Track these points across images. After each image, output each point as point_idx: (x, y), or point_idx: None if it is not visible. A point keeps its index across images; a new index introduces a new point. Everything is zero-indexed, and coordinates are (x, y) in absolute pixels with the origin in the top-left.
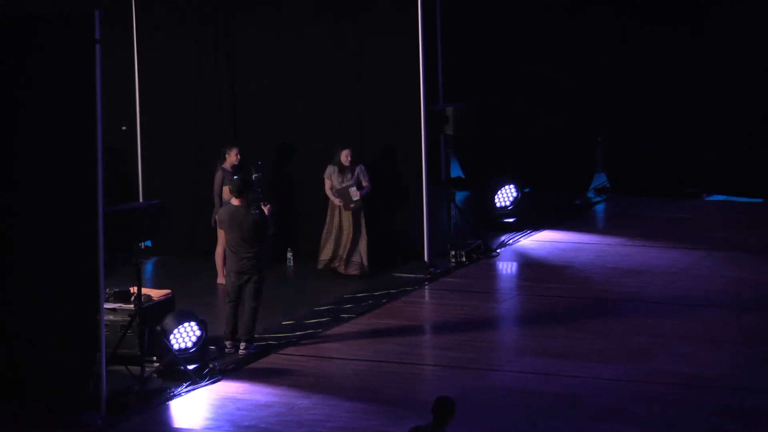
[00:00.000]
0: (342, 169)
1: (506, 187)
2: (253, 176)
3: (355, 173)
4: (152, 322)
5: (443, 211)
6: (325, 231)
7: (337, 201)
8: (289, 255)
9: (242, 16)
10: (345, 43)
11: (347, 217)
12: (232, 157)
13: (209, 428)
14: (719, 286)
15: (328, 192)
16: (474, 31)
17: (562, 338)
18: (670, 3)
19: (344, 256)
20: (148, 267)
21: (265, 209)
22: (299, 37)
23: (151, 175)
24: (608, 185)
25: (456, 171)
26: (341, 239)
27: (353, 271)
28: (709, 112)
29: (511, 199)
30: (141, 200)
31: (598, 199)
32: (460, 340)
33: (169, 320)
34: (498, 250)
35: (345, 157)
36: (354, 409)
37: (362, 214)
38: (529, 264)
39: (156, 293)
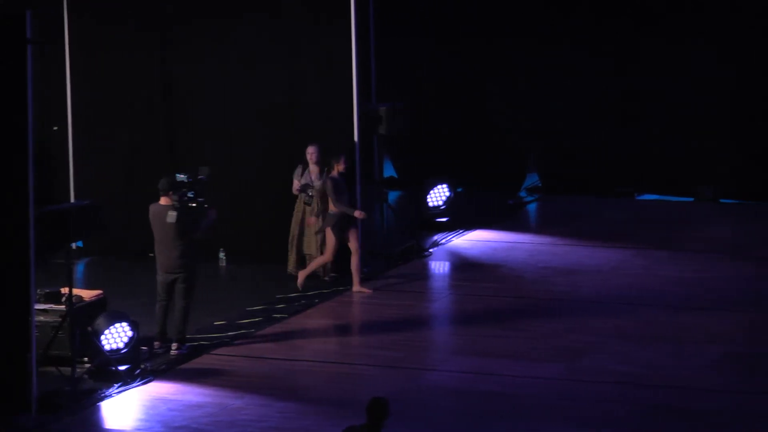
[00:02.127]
0: (307, 167)
1: (439, 186)
2: (198, 177)
3: (325, 173)
4: (83, 322)
5: (376, 210)
6: (291, 234)
7: (304, 200)
8: (222, 255)
9: (176, 18)
10: (278, 44)
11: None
12: (340, 166)
13: (141, 429)
14: (652, 285)
15: (295, 192)
16: (410, 32)
17: (495, 337)
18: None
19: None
20: (80, 267)
21: (208, 214)
22: (233, 39)
23: (82, 176)
24: (540, 185)
25: (389, 171)
26: (310, 240)
27: (325, 274)
28: (639, 112)
29: (443, 198)
30: (72, 200)
31: (531, 198)
32: (393, 339)
33: (100, 321)
34: (431, 250)
35: (309, 153)
36: (286, 409)
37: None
38: (461, 263)
39: (87, 294)
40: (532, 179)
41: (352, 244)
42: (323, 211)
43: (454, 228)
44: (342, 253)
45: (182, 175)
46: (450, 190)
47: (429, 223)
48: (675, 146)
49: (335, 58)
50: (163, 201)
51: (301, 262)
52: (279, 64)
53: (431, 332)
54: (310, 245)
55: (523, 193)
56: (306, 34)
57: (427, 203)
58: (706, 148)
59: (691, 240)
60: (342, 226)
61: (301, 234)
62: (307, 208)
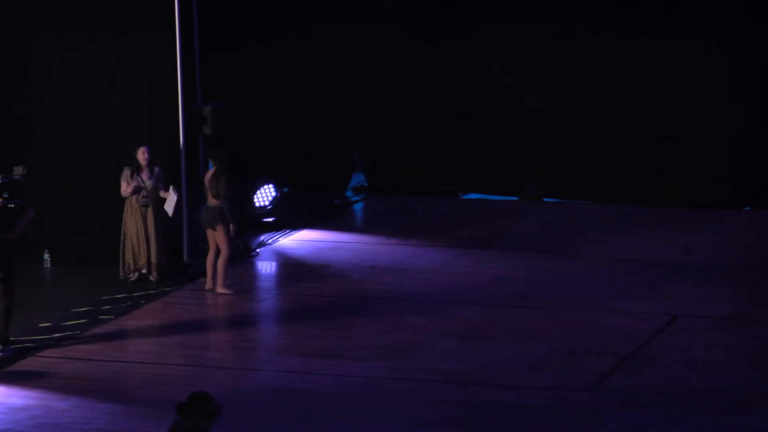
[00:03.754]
0: (138, 169)
1: (265, 186)
2: (13, 177)
3: (155, 174)
4: None
5: (201, 211)
6: (123, 238)
7: (133, 201)
8: (47, 256)
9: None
10: (102, 43)
11: (149, 219)
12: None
13: None
14: (476, 283)
15: (126, 195)
16: (243, 31)
17: (321, 337)
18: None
19: (150, 260)
20: None
21: (24, 214)
22: (63, 38)
23: None
24: (366, 184)
25: None
26: (142, 242)
27: (153, 277)
28: (466, 112)
29: (270, 198)
30: None
31: (357, 198)
32: (219, 339)
33: None
34: (257, 250)
35: (141, 154)
36: (112, 410)
37: (154, 217)
38: (288, 263)
39: None
40: (358, 179)
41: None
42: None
43: (281, 228)
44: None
45: (17, 176)
46: (276, 190)
47: (255, 223)
48: (500, 146)
49: (160, 58)
50: None
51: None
52: (102, 63)
53: (257, 332)
54: (142, 256)
55: (349, 193)
56: (131, 35)
57: (253, 203)
58: (531, 148)
59: (515, 238)
60: (214, 223)
61: (147, 240)
62: (147, 211)
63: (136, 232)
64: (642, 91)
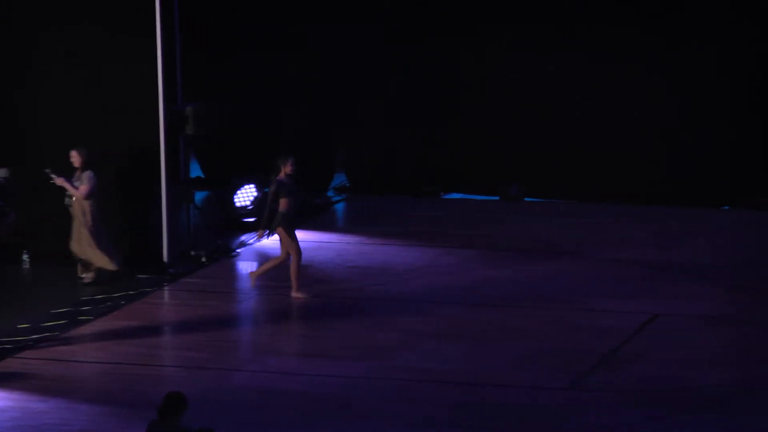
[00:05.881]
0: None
1: (246, 186)
2: None
3: (83, 177)
4: None
5: (183, 211)
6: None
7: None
8: (26, 257)
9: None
10: (83, 46)
11: (75, 220)
12: (287, 168)
13: None
14: (458, 283)
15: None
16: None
17: (303, 337)
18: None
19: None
20: None
21: (8, 216)
22: (42, 40)
23: None
24: (348, 184)
25: (195, 171)
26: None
27: (88, 279)
28: (446, 112)
29: (251, 198)
30: None
31: (338, 198)
32: (201, 340)
33: None
34: (238, 250)
35: (72, 157)
36: (92, 412)
37: (91, 217)
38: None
39: None
40: (340, 179)
41: (293, 248)
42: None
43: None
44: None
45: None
46: (257, 190)
47: (236, 223)
48: (481, 145)
49: (142, 59)
50: None
51: (84, 266)
52: (86, 65)
53: (238, 332)
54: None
55: (330, 193)
56: (113, 36)
57: (234, 203)
58: (513, 148)
59: (497, 238)
60: (288, 226)
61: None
62: (72, 211)
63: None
64: (625, 91)
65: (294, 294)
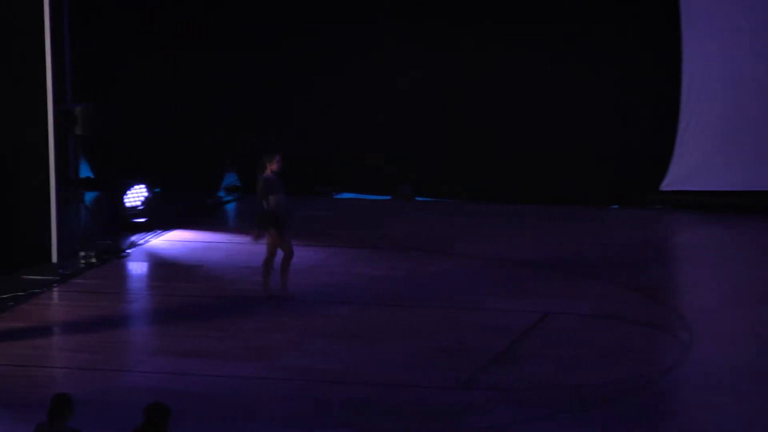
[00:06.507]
0: None
1: (136, 187)
2: None
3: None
4: None
5: (72, 211)
6: None
7: None
8: None
9: None
10: None
11: None
12: (273, 165)
13: None
14: (349, 282)
15: None
16: (113, 31)
17: (194, 337)
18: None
19: None
20: None
21: None
22: None
23: None
24: (239, 184)
25: (85, 171)
26: None
27: None
28: (338, 110)
29: (141, 199)
30: None
31: (229, 198)
32: (91, 341)
33: None
34: (128, 251)
35: None
36: None
37: None
38: (160, 264)
39: None
40: (231, 179)
41: (285, 246)
42: None
43: (152, 228)
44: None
45: None
46: (148, 191)
47: (127, 223)
48: (373, 145)
49: (30, 58)
50: None
51: None
52: None
53: (129, 333)
54: None
55: (221, 193)
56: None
57: (124, 204)
58: (404, 147)
59: (389, 238)
60: (278, 224)
61: None
62: None
63: None
64: (515, 92)
65: (280, 291)
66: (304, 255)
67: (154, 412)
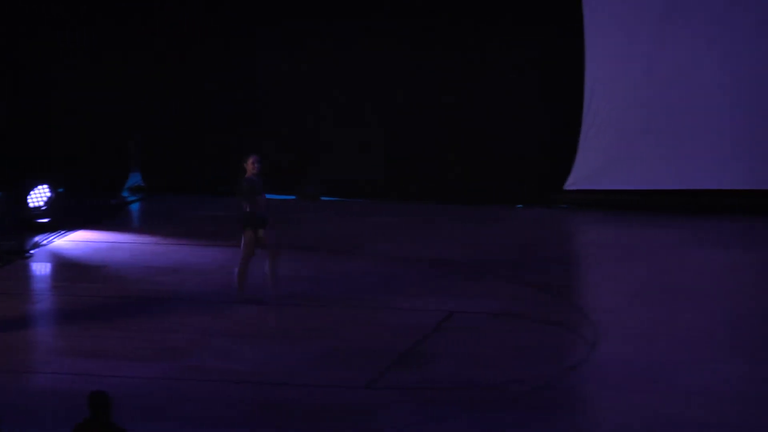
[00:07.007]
0: None
1: (39, 187)
2: None
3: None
4: None
5: None
6: None
7: None
8: None
9: None
10: None
11: None
12: (250, 166)
13: None
14: (255, 282)
15: None
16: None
17: (99, 338)
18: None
19: None
20: None
21: None
22: None
23: None
24: (143, 184)
25: None
26: None
27: None
28: (232, 112)
29: (44, 199)
30: None
31: (134, 198)
32: None
33: None
34: (32, 251)
35: None
36: None
37: None
38: (63, 264)
39: None
40: (135, 179)
41: (269, 246)
42: None
43: (56, 229)
44: None
45: None
46: (51, 191)
47: (30, 224)
48: (278, 145)
49: None
50: None
51: None
52: None
53: (33, 334)
54: None
55: (125, 193)
56: None
57: (27, 204)
58: (309, 147)
59: (295, 237)
60: (257, 225)
61: None
62: None
63: None
64: (420, 90)
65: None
66: (208, 255)
67: (99, 402)
